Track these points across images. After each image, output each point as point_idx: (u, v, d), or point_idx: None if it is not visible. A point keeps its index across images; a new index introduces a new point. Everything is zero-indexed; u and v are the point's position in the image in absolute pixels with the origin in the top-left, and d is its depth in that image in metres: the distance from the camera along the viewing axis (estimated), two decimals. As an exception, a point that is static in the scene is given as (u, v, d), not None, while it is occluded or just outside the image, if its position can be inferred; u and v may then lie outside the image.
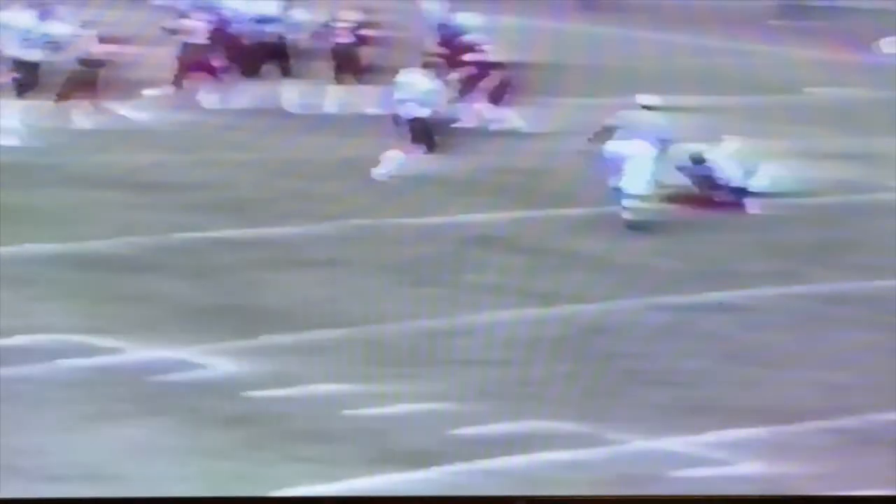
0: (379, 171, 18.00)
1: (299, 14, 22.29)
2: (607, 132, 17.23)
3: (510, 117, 20.83)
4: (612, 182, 16.97)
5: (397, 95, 18.33)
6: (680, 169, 17.30)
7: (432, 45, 21.47)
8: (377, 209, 16.67)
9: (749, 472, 10.46)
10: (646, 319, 13.34)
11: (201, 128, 20.68)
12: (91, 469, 10.26)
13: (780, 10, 34.57)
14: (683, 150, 17.23)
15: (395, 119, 18.28)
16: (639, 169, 16.95)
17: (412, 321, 13.12)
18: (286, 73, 22.19)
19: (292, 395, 11.55)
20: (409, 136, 18.09)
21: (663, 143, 17.15)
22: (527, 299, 13.78)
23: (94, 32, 19.72)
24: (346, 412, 11.25)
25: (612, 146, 17.11)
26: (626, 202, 16.75)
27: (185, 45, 21.77)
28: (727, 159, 17.49)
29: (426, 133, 18.13)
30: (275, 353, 12.35)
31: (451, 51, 21.26)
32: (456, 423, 11.06)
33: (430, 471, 10.29)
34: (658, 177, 17.03)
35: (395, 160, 18.06)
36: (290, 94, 22.05)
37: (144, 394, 11.50)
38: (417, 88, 18.26)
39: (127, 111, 19.55)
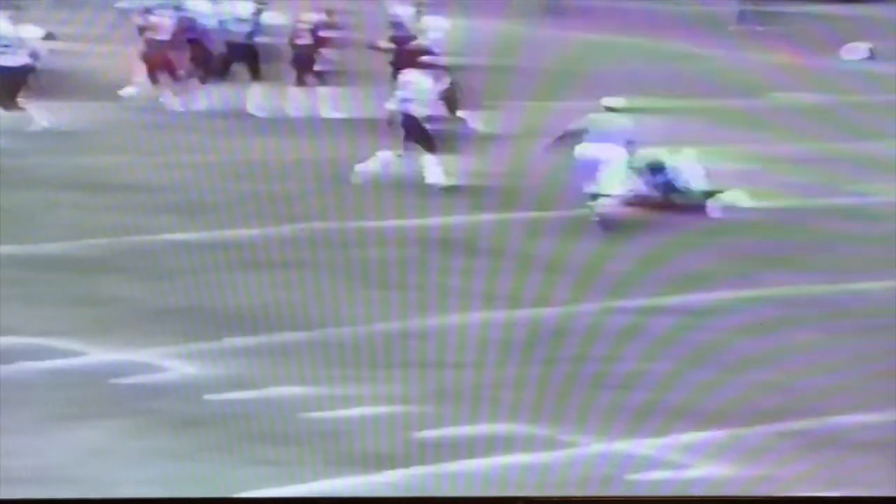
0: (362, 168, 17.90)
1: (271, 17, 22.22)
2: (574, 136, 17.28)
3: (464, 120, 20.86)
4: (584, 186, 17.02)
5: (400, 95, 18.23)
6: (638, 174, 17.38)
7: (384, 43, 21.53)
8: (340, 212, 16.67)
9: (707, 474, 10.52)
10: (606, 322, 13.39)
11: (161, 130, 20.62)
12: (50, 471, 10.23)
13: (742, 15, 34.73)
14: (641, 157, 17.31)
15: (390, 119, 18.17)
16: (612, 173, 17.03)
17: (375, 324, 13.13)
18: (255, 75, 22.11)
19: (253, 398, 11.55)
20: (403, 136, 18.00)
21: (630, 146, 17.23)
22: (489, 302, 13.82)
23: (40, 32, 19.54)
24: (308, 415, 11.25)
25: (582, 150, 17.16)
26: (600, 203, 16.83)
27: (150, 43, 21.69)
28: (687, 165, 17.57)
29: (426, 134, 18.03)
30: (236, 356, 12.34)
31: (402, 51, 21.32)
32: (417, 426, 11.07)
33: (391, 473, 10.31)
34: (628, 180, 17.10)
35: (384, 160, 18.00)
36: (255, 96, 22.01)
37: (105, 396, 11.47)
38: (421, 88, 18.17)
39: (38, 113, 19.32)
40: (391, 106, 18.19)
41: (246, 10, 22.14)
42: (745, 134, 20.28)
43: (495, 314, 13.52)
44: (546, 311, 13.66)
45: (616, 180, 17.02)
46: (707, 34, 30.81)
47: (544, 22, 29.73)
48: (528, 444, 10.83)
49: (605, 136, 17.11)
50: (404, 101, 18.16)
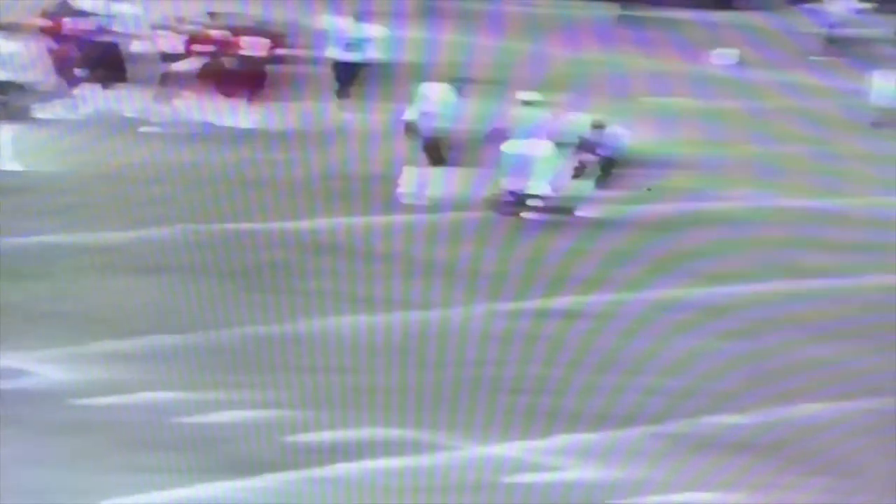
0: (404, 190, 17.64)
1: (121, 9, 21.93)
2: (498, 134, 17.34)
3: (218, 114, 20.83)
4: (512, 183, 17.11)
5: (419, 108, 17.88)
6: (578, 139, 17.51)
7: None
8: (213, 214, 16.50)
9: (584, 477, 10.54)
10: (484, 326, 13.41)
11: (32, 132, 20.26)
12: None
13: (618, 19, 35.11)
14: (584, 119, 17.54)
15: (409, 130, 17.87)
16: (543, 168, 17.11)
17: (248, 327, 13.01)
18: (121, 78, 21.80)
19: (125, 403, 11.36)
20: (424, 149, 17.74)
21: (555, 137, 17.32)
22: (365, 305, 13.76)
23: None
24: (180, 420, 11.09)
25: (511, 147, 17.18)
26: (533, 202, 16.99)
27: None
28: (623, 132, 17.83)
29: (442, 148, 17.74)
30: (107, 360, 12.14)
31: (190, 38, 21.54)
32: (292, 431, 10.97)
33: (263, 479, 10.19)
34: (559, 173, 17.26)
35: (415, 176, 17.69)
36: (128, 99, 21.71)
37: (-30, 402, 11.20)
38: (439, 101, 17.77)
39: None
40: (410, 117, 17.89)
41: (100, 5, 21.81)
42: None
43: (372, 318, 13.47)
44: (424, 315, 13.65)
45: (549, 177, 17.16)
46: (585, 37, 31.03)
47: (419, 24, 29.68)
48: (406, 448, 10.78)
49: (528, 132, 17.20)
50: (423, 114, 17.85)
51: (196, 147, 20.11)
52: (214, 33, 21.54)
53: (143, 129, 20.56)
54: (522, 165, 17.20)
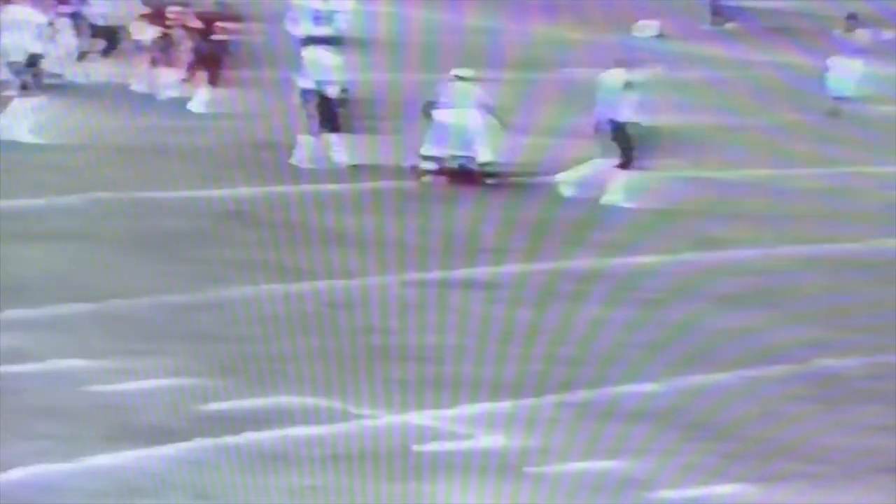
0: (297, 158, 17.74)
1: None
2: (431, 105, 17.73)
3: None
4: (441, 149, 17.51)
5: (307, 73, 18.08)
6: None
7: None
8: (124, 182, 16.40)
9: (491, 445, 10.62)
10: (394, 295, 13.44)
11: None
12: None
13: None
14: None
15: (305, 97, 18.00)
16: (475, 135, 17.46)
17: (160, 296, 12.96)
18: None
19: (32, 371, 11.29)
20: (317, 115, 17.81)
21: (484, 110, 17.76)
22: (275, 274, 13.75)
23: None
24: (89, 388, 11.05)
25: (442, 116, 17.69)
26: (481, 168, 17.30)
27: None
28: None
29: (332, 112, 17.83)
30: (15, 328, 12.05)
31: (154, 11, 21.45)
32: (203, 399, 10.97)
33: (173, 447, 10.18)
34: (489, 142, 17.57)
35: (304, 143, 17.81)
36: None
37: None
38: (325, 65, 18.04)
39: None
40: (304, 85, 18.11)
41: None
42: (541, 109, 20.51)
43: (284, 287, 13.46)
44: (336, 284, 13.65)
45: (481, 144, 17.52)
46: (507, 6, 31.02)
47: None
48: (317, 416, 10.80)
49: (458, 103, 17.52)
50: (313, 80, 18.02)
51: (109, 114, 19.95)
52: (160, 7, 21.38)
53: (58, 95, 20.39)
54: (454, 133, 17.66)
